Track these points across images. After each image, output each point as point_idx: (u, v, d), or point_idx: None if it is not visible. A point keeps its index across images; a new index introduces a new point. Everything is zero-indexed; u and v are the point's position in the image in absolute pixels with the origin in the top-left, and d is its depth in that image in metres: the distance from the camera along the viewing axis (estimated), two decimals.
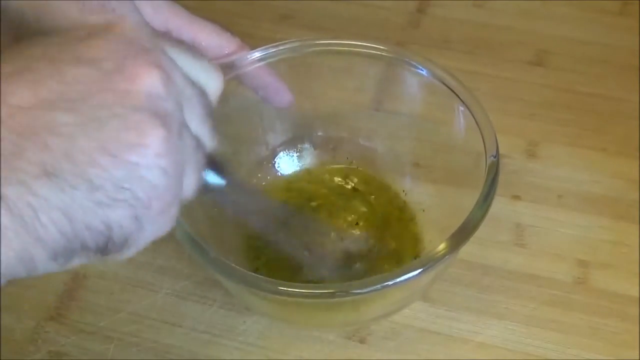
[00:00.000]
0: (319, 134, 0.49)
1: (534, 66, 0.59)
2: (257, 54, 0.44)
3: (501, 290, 0.46)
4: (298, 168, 0.49)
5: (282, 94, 0.44)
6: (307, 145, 0.49)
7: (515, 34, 0.62)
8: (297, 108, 0.45)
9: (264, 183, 0.48)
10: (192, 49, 0.31)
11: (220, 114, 0.44)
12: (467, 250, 0.38)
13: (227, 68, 0.42)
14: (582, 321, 0.44)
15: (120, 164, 0.25)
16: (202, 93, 0.30)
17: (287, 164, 0.49)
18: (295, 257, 0.43)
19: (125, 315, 0.45)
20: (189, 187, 0.29)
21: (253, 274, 0.36)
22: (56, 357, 0.44)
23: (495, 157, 0.39)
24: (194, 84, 0.30)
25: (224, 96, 0.35)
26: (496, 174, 0.38)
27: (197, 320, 0.45)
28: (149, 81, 0.26)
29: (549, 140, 0.54)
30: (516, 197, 0.51)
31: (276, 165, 0.49)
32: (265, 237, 0.44)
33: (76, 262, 0.26)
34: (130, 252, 0.27)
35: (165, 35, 0.31)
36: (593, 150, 0.53)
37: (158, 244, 0.50)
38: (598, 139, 0.54)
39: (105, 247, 0.26)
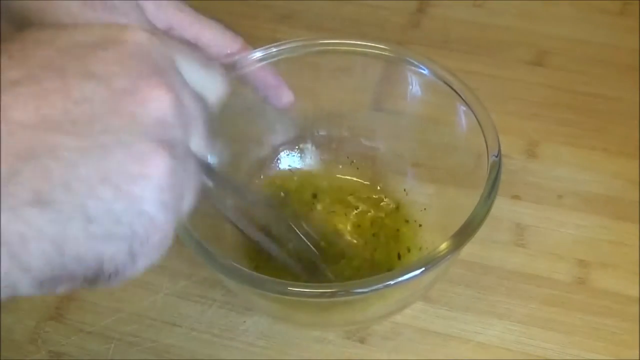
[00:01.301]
0: (321, 133, 0.49)
1: (534, 66, 0.59)
2: (258, 54, 0.44)
3: (501, 290, 0.46)
4: (299, 168, 0.49)
5: (283, 94, 0.44)
6: (308, 145, 0.49)
7: (515, 34, 0.62)
8: (298, 108, 0.45)
9: (272, 184, 0.49)
10: (201, 55, 0.29)
11: (221, 114, 0.44)
12: (467, 250, 0.38)
13: (229, 67, 0.42)
14: (582, 321, 0.44)
15: (121, 196, 0.23)
16: (205, 107, 0.29)
17: (289, 163, 0.49)
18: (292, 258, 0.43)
19: (125, 315, 0.45)
20: (185, 208, 0.27)
21: (256, 273, 0.36)
22: (56, 357, 0.43)
23: (497, 156, 0.39)
24: (199, 100, 0.28)
25: (225, 96, 0.35)
26: (498, 173, 0.38)
27: (197, 320, 0.45)
28: (159, 106, 0.25)
29: (549, 140, 0.54)
30: (516, 197, 0.51)
31: (278, 165, 0.49)
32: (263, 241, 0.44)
33: (61, 290, 0.24)
34: (117, 283, 0.25)
35: (172, 35, 0.29)
36: (593, 150, 0.53)
37: None
38: (598, 139, 0.54)
39: (94, 279, 0.24)
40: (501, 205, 0.49)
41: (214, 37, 0.41)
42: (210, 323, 0.45)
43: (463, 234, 0.36)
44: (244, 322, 0.45)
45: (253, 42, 0.44)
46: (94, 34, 0.26)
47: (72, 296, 0.46)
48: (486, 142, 0.39)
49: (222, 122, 0.44)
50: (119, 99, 0.24)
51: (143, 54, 0.26)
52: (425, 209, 0.47)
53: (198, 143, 0.28)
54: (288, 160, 0.49)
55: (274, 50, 0.44)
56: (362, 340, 0.44)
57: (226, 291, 0.46)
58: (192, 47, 0.30)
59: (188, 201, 0.27)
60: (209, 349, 0.44)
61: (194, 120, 0.27)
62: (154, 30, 0.27)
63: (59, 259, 0.23)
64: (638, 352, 0.43)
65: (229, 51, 0.42)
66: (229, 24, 0.42)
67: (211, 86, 0.30)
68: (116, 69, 0.24)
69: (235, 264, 0.36)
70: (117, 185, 0.23)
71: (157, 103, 0.25)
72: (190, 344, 0.44)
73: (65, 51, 0.25)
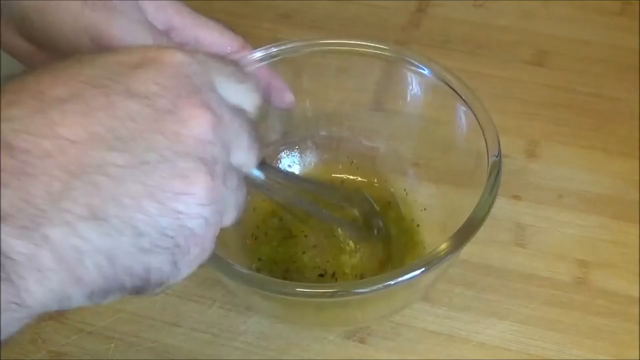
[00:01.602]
0: (321, 133, 0.49)
1: (534, 66, 0.59)
2: (258, 54, 0.44)
3: (501, 290, 0.46)
4: (300, 167, 0.49)
5: (283, 95, 0.44)
6: (309, 145, 0.49)
7: (515, 34, 0.62)
8: (298, 108, 0.45)
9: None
10: (236, 69, 0.30)
11: None
12: (467, 250, 0.38)
13: None
14: (582, 321, 0.44)
15: (166, 211, 0.24)
16: (247, 119, 0.29)
17: (289, 163, 0.49)
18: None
19: (125, 315, 0.45)
20: (227, 222, 0.29)
21: (258, 274, 0.36)
22: (56, 357, 0.43)
23: (497, 156, 0.39)
24: (239, 114, 0.29)
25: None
26: (498, 173, 0.38)
27: (197, 320, 0.45)
28: (199, 125, 0.25)
29: (549, 140, 0.54)
30: (516, 197, 0.51)
31: (279, 165, 0.49)
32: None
33: (109, 300, 0.25)
34: (161, 292, 0.27)
35: (214, 56, 0.30)
36: (593, 150, 0.53)
37: None
38: (598, 139, 0.54)
39: (141, 288, 0.26)
40: (501, 205, 0.49)
41: (214, 38, 0.41)
42: (210, 323, 0.45)
43: (463, 234, 0.36)
44: (244, 322, 0.45)
45: (253, 42, 0.44)
46: (135, 55, 0.26)
47: None
48: (486, 142, 0.40)
49: None
50: (161, 118, 0.25)
51: (182, 74, 0.26)
52: (425, 209, 0.47)
53: (243, 156, 0.29)
54: (288, 160, 0.49)
55: (274, 50, 0.44)
56: (362, 340, 0.44)
57: (226, 291, 0.46)
58: (227, 62, 0.30)
59: (231, 215, 0.29)
60: (209, 349, 0.44)
61: (236, 135, 0.28)
62: (192, 51, 0.28)
63: (111, 271, 0.24)
64: (638, 352, 0.43)
65: (229, 51, 0.42)
66: (229, 24, 0.42)
67: (248, 98, 0.30)
68: (157, 89, 0.25)
69: (237, 265, 0.36)
70: (161, 201, 0.24)
71: (197, 122, 0.25)
72: (190, 344, 0.44)
73: (107, 70, 0.25)
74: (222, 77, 0.28)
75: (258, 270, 0.44)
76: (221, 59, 0.30)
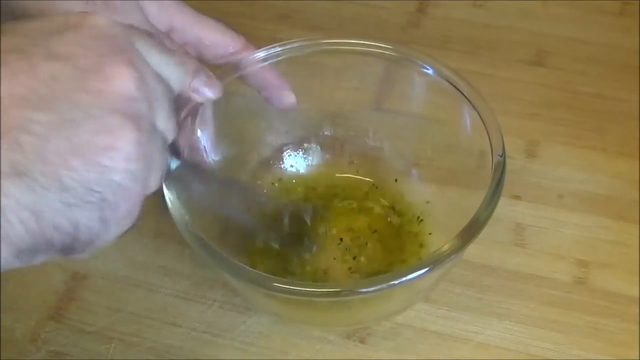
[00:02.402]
0: (323, 133, 0.49)
1: (534, 66, 0.59)
2: (260, 54, 0.44)
3: (501, 290, 0.46)
4: (303, 168, 0.49)
5: (285, 96, 0.44)
6: (312, 145, 0.49)
7: (515, 34, 0.62)
8: (301, 108, 0.45)
9: (275, 184, 0.49)
10: (161, 42, 0.31)
11: (225, 115, 0.44)
12: (468, 250, 0.38)
13: (231, 68, 0.42)
14: (582, 321, 0.44)
15: (92, 166, 0.25)
16: (169, 90, 0.30)
17: (292, 164, 0.49)
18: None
19: (125, 315, 0.45)
20: (153, 185, 0.29)
21: (261, 273, 0.36)
22: (56, 357, 0.43)
23: (501, 156, 0.39)
24: (161, 81, 0.30)
25: (229, 96, 0.36)
26: (502, 173, 0.38)
27: (197, 320, 0.45)
28: (123, 82, 0.26)
29: (549, 140, 0.54)
30: (516, 197, 0.51)
31: (281, 165, 0.49)
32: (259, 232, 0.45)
33: (38, 260, 0.26)
34: (91, 252, 0.27)
35: (140, 28, 0.31)
36: (593, 150, 0.53)
37: (159, 244, 0.51)
38: (598, 139, 0.54)
39: (70, 247, 0.26)
40: (501, 205, 0.48)
41: (215, 38, 0.41)
42: (210, 323, 0.45)
43: (467, 234, 0.36)
44: (244, 322, 0.45)
45: (253, 42, 0.44)
46: (56, 21, 0.27)
47: (72, 296, 0.46)
48: (490, 141, 0.39)
49: (225, 122, 0.44)
50: (84, 77, 0.26)
51: (104, 35, 0.27)
52: (427, 208, 0.46)
53: (163, 123, 0.30)
54: (291, 161, 0.49)
55: (276, 50, 0.44)
56: (362, 340, 0.44)
57: (226, 291, 0.46)
58: (155, 35, 0.31)
59: (157, 177, 0.29)
60: (209, 349, 0.44)
61: (158, 98, 0.29)
62: (123, 23, 0.29)
63: (37, 227, 0.25)
64: (638, 352, 0.43)
65: (231, 51, 0.42)
66: (229, 24, 0.43)
67: (172, 72, 0.31)
68: (79, 50, 0.26)
69: (240, 263, 0.36)
70: (87, 156, 0.25)
71: (122, 79, 0.26)
72: (190, 344, 0.44)
73: (28, 36, 0.26)
74: (146, 45, 0.29)
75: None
76: (149, 32, 0.31)
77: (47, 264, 0.48)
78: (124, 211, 0.27)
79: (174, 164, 0.35)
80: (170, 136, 0.31)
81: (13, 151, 0.24)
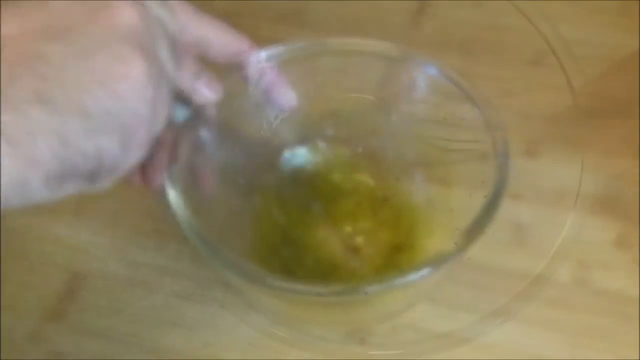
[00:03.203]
0: (324, 133, 0.49)
1: (534, 66, 0.59)
2: (262, 54, 0.44)
3: (501, 290, 0.46)
4: (306, 167, 0.49)
5: (286, 96, 0.44)
6: (313, 145, 0.49)
7: (515, 34, 0.62)
8: (303, 108, 0.45)
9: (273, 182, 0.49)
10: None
11: (227, 114, 0.44)
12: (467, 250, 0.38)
13: (234, 67, 0.42)
14: (582, 321, 0.44)
15: (110, 92, 0.27)
16: (166, 26, 0.32)
17: (295, 163, 0.49)
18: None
19: (125, 315, 0.45)
20: (160, 122, 0.31)
21: (265, 271, 0.36)
22: (56, 357, 0.43)
23: (505, 156, 0.39)
24: (161, 23, 0.32)
25: (231, 96, 0.36)
26: (505, 173, 0.38)
27: (197, 320, 0.45)
28: (129, 15, 0.28)
29: (549, 140, 0.54)
30: (516, 197, 0.51)
31: (283, 165, 0.49)
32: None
33: (67, 190, 0.27)
34: (114, 179, 0.29)
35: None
36: (593, 150, 0.53)
37: (159, 244, 0.51)
38: (598, 139, 0.54)
39: (96, 173, 0.27)
40: (501, 205, 0.49)
41: (219, 36, 0.41)
42: (210, 323, 0.45)
43: (471, 234, 0.36)
44: (244, 322, 0.45)
45: (253, 42, 0.43)
46: None
47: (72, 296, 0.46)
48: (494, 141, 0.39)
49: (227, 122, 0.44)
50: (94, 13, 0.28)
51: None
52: (429, 209, 0.46)
53: (166, 59, 0.31)
54: (294, 160, 0.49)
55: (278, 50, 0.44)
56: (362, 340, 0.44)
57: (226, 291, 0.46)
58: None
59: (162, 115, 0.31)
60: (209, 349, 0.44)
61: (160, 34, 0.31)
62: None
63: (64, 152, 0.26)
64: (638, 352, 0.43)
65: (234, 50, 0.42)
66: (229, 24, 0.42)
67: (169, 17, 0.33)
68: None
69: (244, 261, 0.36)
70: (105, 83, 0.27)
71: (128, 12, 0.28)
72: (190, 344, 0.44)
73: None
74: None
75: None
76: None
77: (47, 264, 0.48)
78: (141, 138, 0.29)
79: (181, 114, 0.36)
80: (171, 76, 0.32)
81: (35, 79, 0.25)
